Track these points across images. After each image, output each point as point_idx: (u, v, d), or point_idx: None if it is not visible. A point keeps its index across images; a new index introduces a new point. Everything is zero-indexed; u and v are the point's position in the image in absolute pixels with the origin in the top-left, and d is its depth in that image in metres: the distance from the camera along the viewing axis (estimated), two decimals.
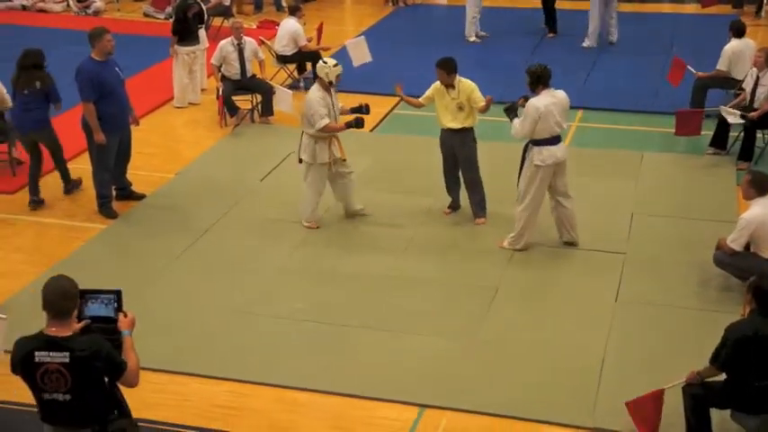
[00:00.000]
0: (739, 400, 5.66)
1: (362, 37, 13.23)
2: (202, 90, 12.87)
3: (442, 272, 8.29)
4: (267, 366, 6.87)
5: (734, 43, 11.37)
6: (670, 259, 8.30)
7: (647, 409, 5.90)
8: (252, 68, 11.89)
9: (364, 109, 8.91)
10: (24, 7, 18.40)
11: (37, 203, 9.57)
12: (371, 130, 11.36)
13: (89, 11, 17.90)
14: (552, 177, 8.23)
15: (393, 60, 13.96)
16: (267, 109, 11.87)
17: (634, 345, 7.09)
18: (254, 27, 16.30)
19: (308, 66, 13.41)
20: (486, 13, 15.88)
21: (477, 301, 7.70)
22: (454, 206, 9.26)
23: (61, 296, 4.53)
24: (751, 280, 5.70)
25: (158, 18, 17.55)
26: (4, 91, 10.06)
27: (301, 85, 13.28)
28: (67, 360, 4.50)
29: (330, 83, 8.65)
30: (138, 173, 9.95)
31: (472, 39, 15.46)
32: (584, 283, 8.01)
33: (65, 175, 9.84)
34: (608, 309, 7.57)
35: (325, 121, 8.54)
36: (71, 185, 9.87)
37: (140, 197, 9.71)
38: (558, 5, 15.80)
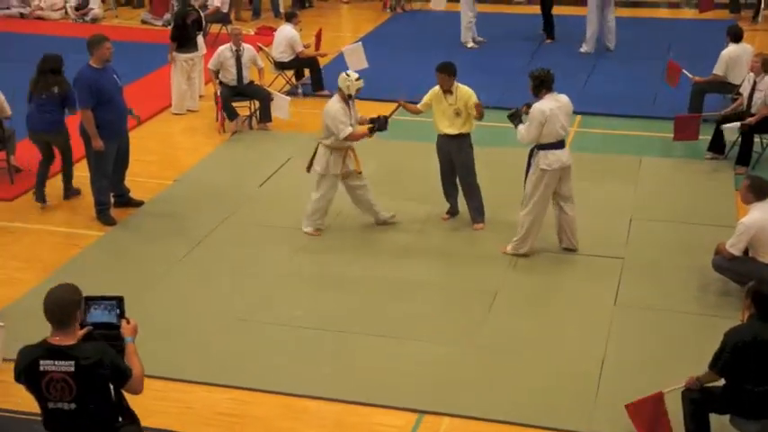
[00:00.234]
0: (738, 406, 5.66)
1: (359, 43, 13.27)
2: (201, 97, 12.87)
3: (440, 277, 8.29)
4: (268, 373, 6.86)
5: (731, 48, 11.39)
6: (669, 264, 8.31)
7: (646, 412, 5.89)
8: (250, 75, 11.89)
9: (382, 119, 8.82)
10: (22, 15, 18.41)
11: (42, 200, 9.68)
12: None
13: (87, 18, 17.91)
14: (557, 182, 8.23)
15: (391, 66, 13.98)
16: (265, 115, 11.88)
17: (633, 349, 7.09)
18: (252, 33, 16.33)
19: (306, 72, 13.45)
20: (484, 19, 15.91)
21: (476, 306, 7.70)
22: (452, 212, 9.26)
23: (58, 306, 4.51)
24: (750, 285, 5.70)
25: (156, 25, 17.56)
26: (3, 99, 10.07)
27: (299, 91, 13.31)
28: (73, 369, 4.49)
29: (349, 95, 8.66)
30: (136, 179, 9.94)
31: (470, 44, 15.49)
32: (583, 287, 8.01)
33: (68, 178, 9.86)
34: (607, 313, 7.57)
35: (349, 129, 8.55)
36: (71, 192, 9.88)
37: (139, 204, 9.70)
38: (555, 11, 15.83)
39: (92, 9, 18.04)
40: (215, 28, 15.83)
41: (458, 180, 9.06)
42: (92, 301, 4.76)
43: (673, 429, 5.86)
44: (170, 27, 13.49)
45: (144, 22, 17.97)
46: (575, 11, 16.26)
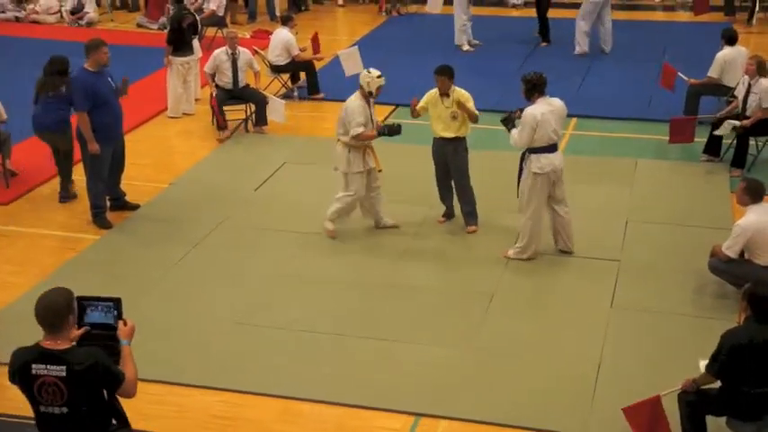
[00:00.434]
0: (735, 408, 5.66)
1: (355, 47, 13.27)
2: (196, 100, 12.87)
3: (437, 280, 8.29)
4: (264, 376, 6.85)
5: (726, 51, 11.41)
6: (665, 266, 8.31)
7: (644, 415, 5.89)
8: (245, 78, 11.89)
9: (395, 127, 8.77)
10: (18, 18, 18.41)
11: (65, 198, 9.81)
12: None
13: (82, 22, 17.91)
14: (551, 186, 8.23)
15: (387, 69, 13.72)
16: (261, 119, 11.88)
17: (630, 352, 7.09)
18: (248, 37, 16.32)
19: (302, 75, 13.45)
20: (479, 22, 15.92)
21: (473, 308, 7.70)
22: (448, 214, 9.26)
23: (50, 310, 4.49)
24: (746, 287, 5.69)
25: (151, 29, 17.56)
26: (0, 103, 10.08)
27: (295, 94, 13.31)
28: (64, 374, 4.48)
29: (370, 93, 8.63)
30: (132, 183, 9.93)
31: (465, 48, 15.50)
32: (579, 290, 8.02)
33: (66, 180, 9.87)
34: (603, 316, 7.57)
35: (360, 129, 8.53)
36: (67, 195, 9.86)
37: (134, 207, 9.69)
38: (550, 14, 15.84)
39: (87, 13, 18.05)
40: (210, 31, 15.85)
41: (452, 183, 9.06)
42: (89, 301, 4.75)
43: None
44: (165, 30, 13.49)
45: (139, 25, 17.97)
46: (570, 14, 16.27)
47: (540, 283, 8.21)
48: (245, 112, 11.98)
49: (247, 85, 11.91)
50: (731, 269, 7.54)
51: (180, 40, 12.45)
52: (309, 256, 8.68)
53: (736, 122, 10.20)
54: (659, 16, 18.45)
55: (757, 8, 16.96)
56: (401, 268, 8.44)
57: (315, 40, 13.72)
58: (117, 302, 4.79)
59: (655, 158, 10.94)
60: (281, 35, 13.03)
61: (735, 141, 10.36)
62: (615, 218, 9.26)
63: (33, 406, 4.65)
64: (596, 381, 6.71)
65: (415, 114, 9.05)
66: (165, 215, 9.62)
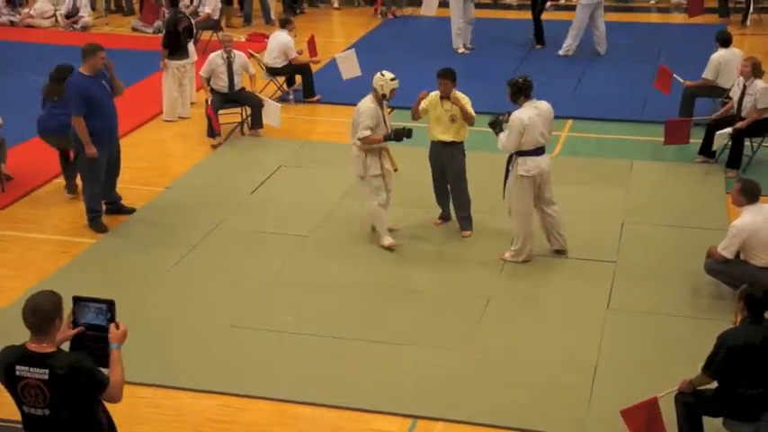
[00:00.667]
0: (731, 408, 5.67)
1: (352, 50, 13.23)
2: (192, 104, 12.86)
3: (433, 282, 8.29)
4: (260, 379, 6.84)
5: (721, 52, 11.43)
6: (661, 267, 8.32)
7: (641, 417, 5.89)
8: (241, 82, 11.88)
9: (403, 130, 8.64)
10: (12, 23, 18.37)
11: (72, 191, 9.98)
12: None
13: (77, 26, 17.86)
14: (537, 188, 8.24)
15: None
16: (256, 122, 11.87)
17: (626, 353, 7.09)
18: (243, 40, 16.32)
19: (298, 78, 13.44)
20: (474, 25, 15.90)
21: (469, 311, 7.70)
22: (444, 217, 9.26)
23: (35, 313, 4.48)
24: (742, 288, 5.71)
25: (146, 32, 17.52)
26: None
27: (291, 97, 13.30)
28: (46, 377, 4.47)
29: (383, 96, 8.59)
30: (127, 187, 9.92)
31: (461, 50, 15.50)
32: (575, 291, 8.02)
33: (72, 178, 9.96)
34: (600, 317, 7.58)
35: (367, 132, 8.49)
36: (74, 189, 9.98)
37: (130, 211, 9.68)
38: (545, 17, 15.85)
39: (82, 17, 17.99)
40: (206, 35, 15.82)
41: (448, 186, 9.06)
42: (83, 302, 4.75)
43: None
44: (161, 34, 13.47)
45: (134, 29, 17.93)
46: (564, 16, 16.29)
47: (536, 286, 8.22)
48: (241, 115, 11.98)
49: (243, 89, 11.90)
50: (727, 270, 7.55)
51: (175, 43, 12.44)
52: (306, 260, 8.67)
53: (729, 129, 10.23)
54: (653, 18, 18.48)
55: (751, 10, 16.99)
56: (397, 270, 8.44)
57: (311, 43, 13.72)
58: (110, 305, 4.78)
59: (650, 160, 10.95)
60: (280, 38, 13.03)
61: (730, 143, 10.37)
62: (611, 219, 9.27)
63: (18, 406, 4.65)
64: (593, 382, 6.71)
65: (415, 117, 9.04)
66: (161, 219, 9.61)
